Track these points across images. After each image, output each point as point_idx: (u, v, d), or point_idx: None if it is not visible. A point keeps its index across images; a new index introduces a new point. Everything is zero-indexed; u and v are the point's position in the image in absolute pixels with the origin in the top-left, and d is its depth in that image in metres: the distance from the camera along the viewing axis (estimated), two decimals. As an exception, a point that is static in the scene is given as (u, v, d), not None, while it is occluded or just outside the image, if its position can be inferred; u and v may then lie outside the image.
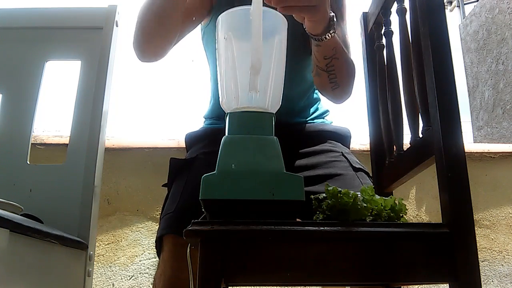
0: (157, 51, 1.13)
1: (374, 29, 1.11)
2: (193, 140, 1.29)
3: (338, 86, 1.15)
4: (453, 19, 6.13)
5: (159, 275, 1.03)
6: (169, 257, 1.00)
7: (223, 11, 0.95)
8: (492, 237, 2.17)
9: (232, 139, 0.74)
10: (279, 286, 0.92)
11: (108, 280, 1.94)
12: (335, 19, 0.98)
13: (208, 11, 1.24)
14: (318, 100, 1.35)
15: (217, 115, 1.28)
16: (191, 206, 1.03)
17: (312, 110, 1.31)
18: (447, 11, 6.19)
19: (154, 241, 1.10)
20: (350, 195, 0.70)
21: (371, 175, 1.14)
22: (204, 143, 1.22)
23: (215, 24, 0.96)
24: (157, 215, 1.97)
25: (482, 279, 0.87)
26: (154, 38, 1.10)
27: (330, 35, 1.00)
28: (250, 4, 0.73)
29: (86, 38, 1.25)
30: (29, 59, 1.23)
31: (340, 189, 0.72)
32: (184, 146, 1.34)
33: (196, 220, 0.68)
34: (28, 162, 1.16)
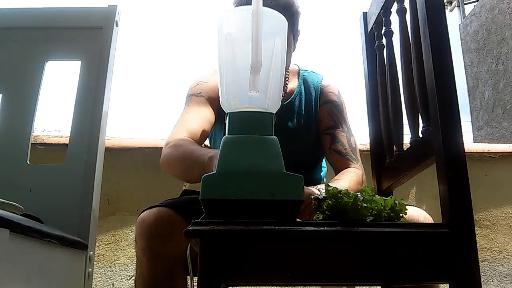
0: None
1: (374, 29, 1.11)
2: None
3: None
4: (453, 19, 6.13)
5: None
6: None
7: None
8: (492, 237, 2.17)
9: (232, 139, 0.74)
10: (279, 286, 0.92)
11: (108, 280, 1.94)
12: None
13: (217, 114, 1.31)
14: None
15: None
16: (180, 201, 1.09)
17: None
18: (447, 11, 6.18)
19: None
20: (350, 195, 0.70)
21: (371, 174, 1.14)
22: None
23: (221, 125, 1.25)
24: (157, 215, 1.96)
25: (482, 279, 0.87)
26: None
27: None
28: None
29: (86, 38, 1.24)
30: (29, 59, 1.23)
31: (340, 189, 0.72)
32: None
33: (196, 220, 0.68)
34: (28, 162, 1.16)
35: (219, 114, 1.27)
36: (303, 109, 1.31)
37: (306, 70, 1.38)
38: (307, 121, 1.30)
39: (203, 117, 1.24)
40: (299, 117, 1.30)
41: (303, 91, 1.33)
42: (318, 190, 1.02)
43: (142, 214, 1.04)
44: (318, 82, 1.35)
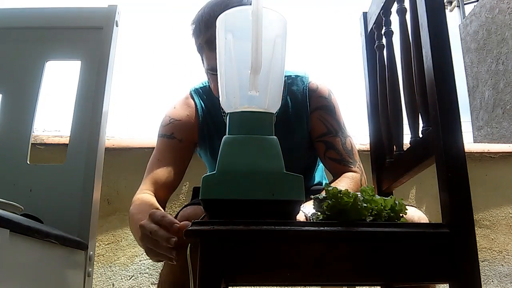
0: None
1: (374, 29, 1.11)
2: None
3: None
4: (453, 19, 6.13)
5: (165, 274, 1.01)
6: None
7: (207, 143, 1.26)
8: (492, 237, 2.17)
9: (232, 139, 0.74)
10: (279, 286, 0.92)
11: (108, 280, 1.94)
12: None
13: (195, 144, 1.30)
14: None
15: None
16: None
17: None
18: (447, 11, 6.18)
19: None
20: (350, 195, 0.70)
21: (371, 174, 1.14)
22: None
23: (205, 151, 1.27)
24: (157, 215, 1.96)
25: (482, 279, 0.87)
26: None
27: None
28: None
29: (86, 38, 1.25)
30: (29, 59, 1.23)
31: (340, 189, 0.72)
32: None
33: (196, 220, 0.68)
34: (28, 162, 1.16)
35: (202, 139, 1.27)
36: (294, 122, 1.24)
37: (290, 76, 1.26)
38: (299, 133, 1.23)
39: (174, 164, 1.22)
40: (289, 131, 1.23)
41: (289, 103, 1.24)
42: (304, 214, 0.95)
43: (181, 212, 1.02)
44: (305, 87, 1.25)
